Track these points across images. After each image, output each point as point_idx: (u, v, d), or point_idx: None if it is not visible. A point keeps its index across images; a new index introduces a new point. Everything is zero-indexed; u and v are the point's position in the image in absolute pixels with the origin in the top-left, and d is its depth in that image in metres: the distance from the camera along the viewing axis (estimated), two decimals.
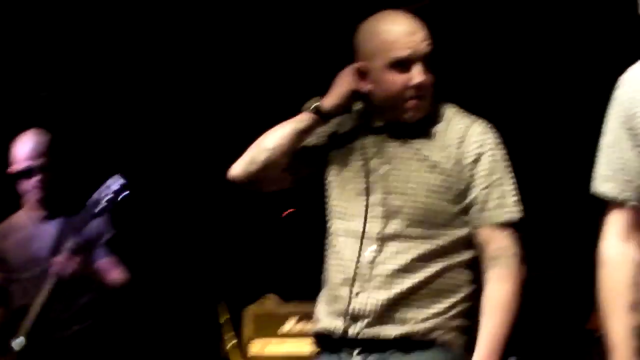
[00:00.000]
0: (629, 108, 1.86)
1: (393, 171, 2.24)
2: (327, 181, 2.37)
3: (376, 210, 2.23)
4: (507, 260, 2.19)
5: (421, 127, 2.26)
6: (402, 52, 2.17)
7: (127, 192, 3.15)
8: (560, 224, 3.97)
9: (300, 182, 2.41)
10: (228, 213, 4.79)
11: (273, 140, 2.30)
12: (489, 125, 2.28)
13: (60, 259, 3.21)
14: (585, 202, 2.02)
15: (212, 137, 4.67)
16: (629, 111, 1.86)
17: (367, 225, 2.22)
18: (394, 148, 2.26)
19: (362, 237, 2.22)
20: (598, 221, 1.97)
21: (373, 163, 2.27)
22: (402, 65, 2.17)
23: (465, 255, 2.24)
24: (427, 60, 2.20)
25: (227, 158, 2.41)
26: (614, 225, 1.92)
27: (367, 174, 2.26)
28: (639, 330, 1.86)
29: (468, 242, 2.24)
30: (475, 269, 2.25)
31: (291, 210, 4.77)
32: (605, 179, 1.92)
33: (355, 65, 2.26)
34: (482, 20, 3.95)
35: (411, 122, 2.24)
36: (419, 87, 2.19)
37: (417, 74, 2.18)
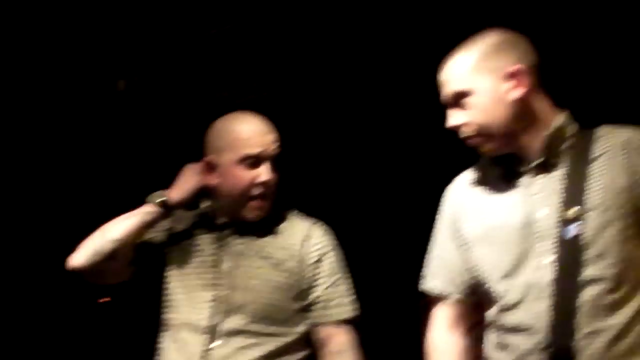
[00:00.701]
0: (454, 213, 2.09)
1: (237, 268, 2.29)
2: (166, 275, 2.36)
3: (220, 306, 2.25)
4: (350, 354, 2.30)
5: (264, 226, 2.33)
6: (254, 150, 2.26)
7: None
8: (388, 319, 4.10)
9: (140, 275, 2.39)
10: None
11: (118, 231, 2.28)
12: (328, 228, 2.40)
13: None
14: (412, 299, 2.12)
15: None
16: (453, 216, 2.09)
17: (210, 320, 2.25)
18: (238, 246, 2.32)
19: (207, 332, 2.24)
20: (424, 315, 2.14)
21: (216, 259, 2.31)
22: (252, 162, 2.26)
23: (303, 353, 2.32)
24: (275, 161, 2.30)
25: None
26: (441, 317, 2.11)
27: (210, 270, 2.30)
28: None
29: (306, 340, 2.32)
30: None
31: (107, 299, 4.62)
32: (432, 277, 2.12)
33: (206, 158, 2.32)
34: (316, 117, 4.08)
35: (253, 220, 2.31)
36: (265, 184, 2.27)
37: (264, 172, 2.27)
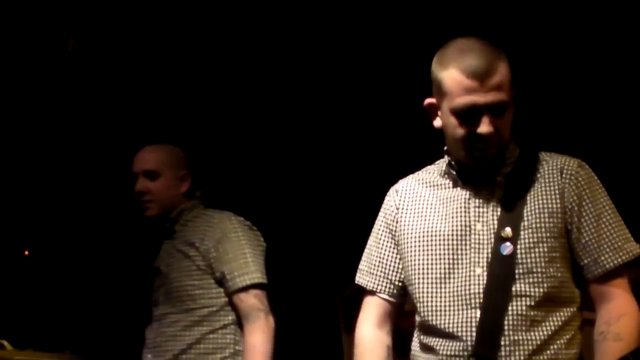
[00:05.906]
0: (393, 215, 2.18)
1: (166, 266, 2.86)
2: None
3: (156, 300, 2.88)
4: (255, 315, 2.71)
5: (177, 224, 2.89)
6: None
7: None
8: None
9: None
10: None
11: None
12: (231, 214, 2.86)
13: None
14: None
15: None
16: (392, 217, 2.18)
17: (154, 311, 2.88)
18: (164, 248, 2.91)
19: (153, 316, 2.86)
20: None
21: (158, 263, 2.91)
22: None
23: (224, 320, 2.77)
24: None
25: None
26: (370, 313, 2.21)
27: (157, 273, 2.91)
28: None
29: (227, 308, 2.77)
30: (240, 329, 2.77)
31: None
32: (366, 273, 2.22)
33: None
34: None
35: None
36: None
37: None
